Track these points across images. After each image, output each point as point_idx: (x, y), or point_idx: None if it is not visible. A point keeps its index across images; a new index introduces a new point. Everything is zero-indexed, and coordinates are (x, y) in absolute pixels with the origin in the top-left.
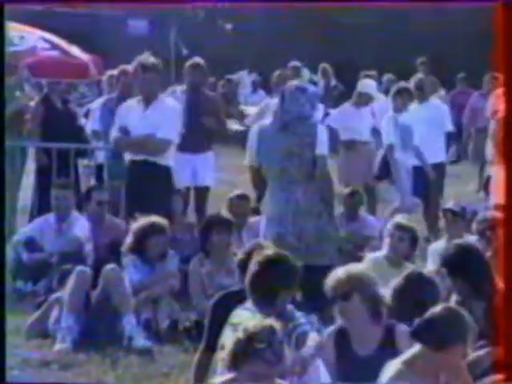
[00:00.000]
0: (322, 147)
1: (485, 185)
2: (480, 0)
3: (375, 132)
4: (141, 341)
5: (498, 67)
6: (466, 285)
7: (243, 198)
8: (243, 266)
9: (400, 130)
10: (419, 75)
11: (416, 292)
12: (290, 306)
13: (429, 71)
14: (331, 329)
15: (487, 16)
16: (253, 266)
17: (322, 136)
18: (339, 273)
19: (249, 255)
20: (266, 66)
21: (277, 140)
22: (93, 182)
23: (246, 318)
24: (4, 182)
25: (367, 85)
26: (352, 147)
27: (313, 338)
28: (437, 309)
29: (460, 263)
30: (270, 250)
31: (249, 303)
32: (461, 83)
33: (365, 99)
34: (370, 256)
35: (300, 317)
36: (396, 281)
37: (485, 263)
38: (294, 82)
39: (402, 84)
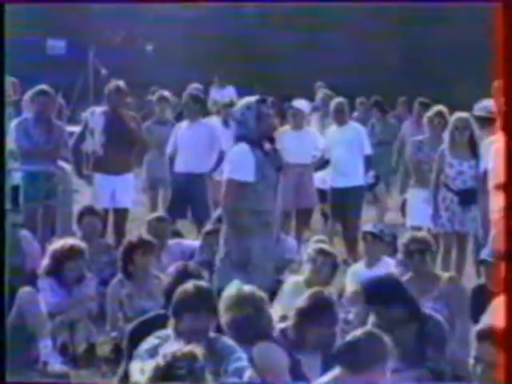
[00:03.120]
0: None
1: (401, 207)
2: (480, 0)
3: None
4: (57, 365)
5: (498, 68)
6: (390, 314)
7: (162, 220)
8: (169, 292)
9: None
10: (340, 98)
11: (315, 313)
12: (228, 340)
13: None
14: None
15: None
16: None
17: None
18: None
19: (175, 281)
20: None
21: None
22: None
23: (158, 343)
24: (4, 184)
25: (300, 104)
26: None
27: (250, 373)
28: (357, 332)
29: (382, 296)
30: (191, 283)
31: (168, 329)
32: (402, 106)
33: (299, 119)
34: (290, 280)
35: (237, 351)
36: (299, 301)
37: (405, 291)
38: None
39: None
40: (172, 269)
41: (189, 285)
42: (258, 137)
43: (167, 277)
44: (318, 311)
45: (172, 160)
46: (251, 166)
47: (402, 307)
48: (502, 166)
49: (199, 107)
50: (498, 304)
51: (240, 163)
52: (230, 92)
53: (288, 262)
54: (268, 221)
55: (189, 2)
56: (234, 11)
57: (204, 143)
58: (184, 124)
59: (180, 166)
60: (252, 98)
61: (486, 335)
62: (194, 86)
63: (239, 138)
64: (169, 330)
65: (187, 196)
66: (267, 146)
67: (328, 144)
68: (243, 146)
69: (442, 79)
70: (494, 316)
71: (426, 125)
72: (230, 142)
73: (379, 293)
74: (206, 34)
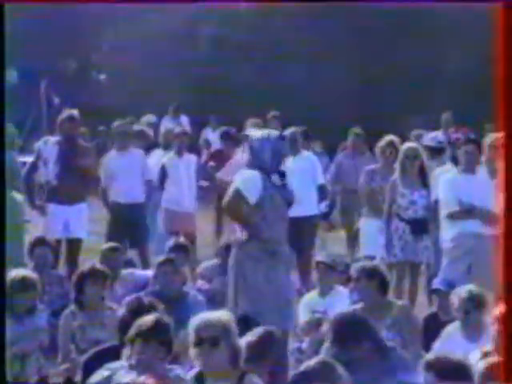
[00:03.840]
0: None
1: (348, 237)
2: (481, 0)
3: None
4: None
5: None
6: (357, 351)
7: (116, 250)
8: (123, 324)
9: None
10: (293, 128)
11: (264, 350)
12: (181, 372)
13: (279, 125)
14: (191, 372)
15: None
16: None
17: None
18: (210, 317)
19: (131, 313)
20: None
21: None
22: None
23: (108, 375)
24: (4, 183)
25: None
26: None
27: None
28: (311, 361)
29: (350, 335)
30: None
31: (122, 360)
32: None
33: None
34: None
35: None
36: (248, 337)
37: (370, 327)
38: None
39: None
40: (126, 301)
41: (149, 315)
42: (269, 169)
43: (122, 309)
44: (265, 348)
45: (105, 192)
46: (257, 190)
47: (368, 344)
48: (451, 197)
49: (128, 137)
50: (448, 332)
51: (249, 182)
52: (183, 121)
53: None
54: (276, 250)
55: (187, 2)
56: (189, 42)
57: (137, 172)
58: (112, 154)
59: (116, 196)
60: (273, 132)
61: (431, 365)
62: (148, 117)
63: (251, 166)
64: (121, 362)
65: (126, 226)
66: (277, 179)
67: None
68: (254, 172)
69: (392, 110)
70: (444, 344)
71: (378, 155)
72: (181, 172)
73: (347, 332)
74: (160, 63)
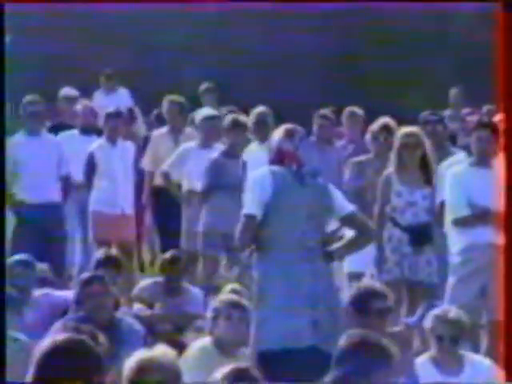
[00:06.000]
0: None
1: None
2: (480, 1)
3: None
4: None
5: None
6: None
7: (25, 264)
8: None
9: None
10: (261, 108)
11: None
12: None
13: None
14: None
15: None
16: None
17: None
18: (157, 356)
19: None
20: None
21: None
22: None
23: None
24: (4, 182)
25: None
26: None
27: None
28: None
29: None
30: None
31: None
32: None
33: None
34: (195, 345)
35: None
36: (219, 375)
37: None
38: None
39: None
40: (57, 327)
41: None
42: None
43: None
44: None
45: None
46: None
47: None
48: (459, 197)
49: (38, 118)
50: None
51: None
52: (122, 97)
53: (191, 318)
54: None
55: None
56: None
57: (52, 163)
58: (19, 139)
59: (24, 195)
60: None
61: None
62: (66, 91)
63: None
64: None
65: (37, 233)
66: None
67: (249, 166)
68: None
69: (385, 85)
70: None
71: (370, 142)
72: (114, 163)
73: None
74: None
